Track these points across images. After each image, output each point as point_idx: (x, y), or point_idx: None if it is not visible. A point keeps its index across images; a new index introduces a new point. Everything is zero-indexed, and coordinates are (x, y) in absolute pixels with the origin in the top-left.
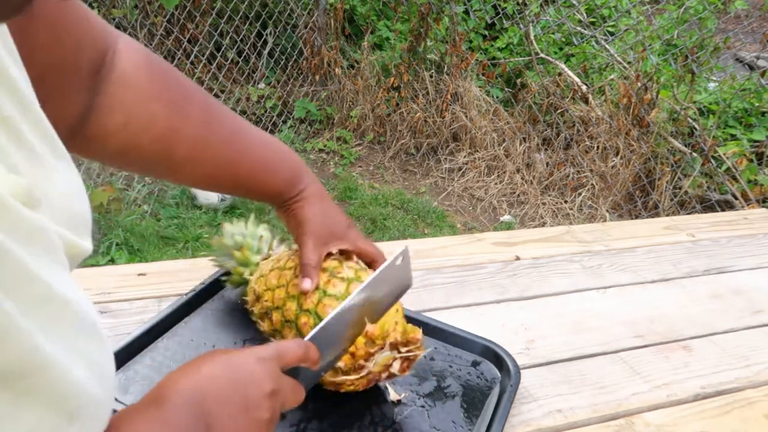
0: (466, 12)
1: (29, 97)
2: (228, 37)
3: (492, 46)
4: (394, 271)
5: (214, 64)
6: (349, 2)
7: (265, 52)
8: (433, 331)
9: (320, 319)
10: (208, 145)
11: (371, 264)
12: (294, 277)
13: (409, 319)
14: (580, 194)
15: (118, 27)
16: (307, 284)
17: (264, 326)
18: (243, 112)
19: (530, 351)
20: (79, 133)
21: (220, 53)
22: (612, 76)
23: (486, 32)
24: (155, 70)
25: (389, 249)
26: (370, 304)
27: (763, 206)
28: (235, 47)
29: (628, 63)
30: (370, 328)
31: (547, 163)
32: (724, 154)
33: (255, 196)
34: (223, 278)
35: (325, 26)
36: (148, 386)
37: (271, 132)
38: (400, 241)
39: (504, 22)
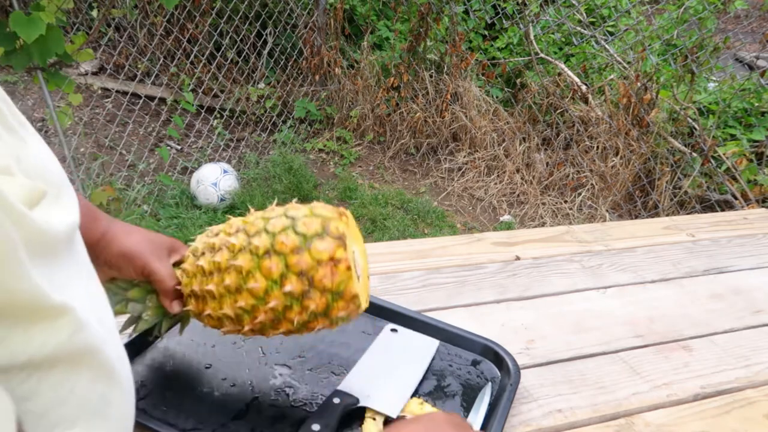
0: (466, 12)
1: None
2: (228, 37)
3: (492, 46)
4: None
5: (214, 64)
6: (349, 2)
7: (265, 52)
8: (433, 330)
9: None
10: None
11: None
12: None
13: (410, 318)
14: (579, 194)
15: (117, 27)
16: (178, 307)
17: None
18: (243, 112)
19: (530, 351)
20: None
21: (220, 53)
22: (612, 76)
23: (486, 32)
24: None
25: (391, 248)
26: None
27: (762, 206)
28: (235, 47)
29: (628, 63)
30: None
31: (547, 163)
32: (724, 154)
33: None
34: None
35: (325, 26)
36: (148, 386)
37: (271, 132)
38: (400, 240)
39: (504, 22)
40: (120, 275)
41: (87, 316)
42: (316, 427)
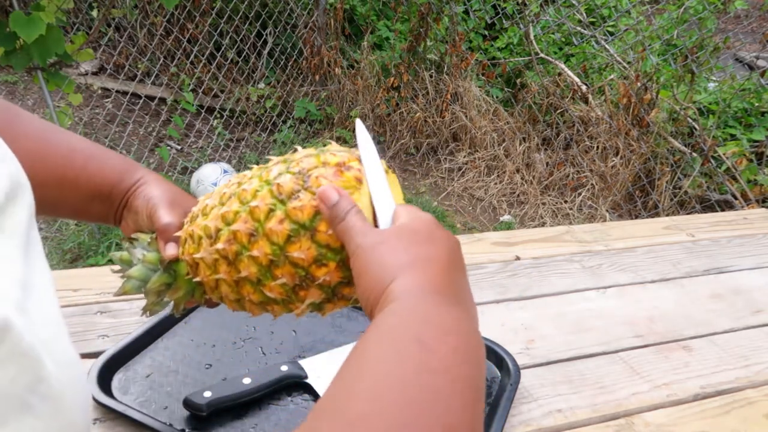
0: (466, 12)
1: None
2: (228, 37)
3: (492, 46)
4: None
5: (214, 64)
6: (349, 2)
7: (265, 52)
8: None
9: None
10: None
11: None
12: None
13: None
14: (579, 194)
15: (117, 27)
16: (172, 249)
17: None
18: (243, 112)
19: (530, 351)
20: None
21: (220, 53)
22: (612, 76)
23: (486, 32)
24: None
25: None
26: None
27: (762, 206)
28: (235, 47)
29: (628, 63)
30: None
31: (547, 163)
32: (724, 154)
33: (83, 196)
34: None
35: (325, 26)
36: (148, 386)
37: (271, 132)
38: None
39: (504, 22)
40: (137, 222)
41: None
42: (246, 380)
